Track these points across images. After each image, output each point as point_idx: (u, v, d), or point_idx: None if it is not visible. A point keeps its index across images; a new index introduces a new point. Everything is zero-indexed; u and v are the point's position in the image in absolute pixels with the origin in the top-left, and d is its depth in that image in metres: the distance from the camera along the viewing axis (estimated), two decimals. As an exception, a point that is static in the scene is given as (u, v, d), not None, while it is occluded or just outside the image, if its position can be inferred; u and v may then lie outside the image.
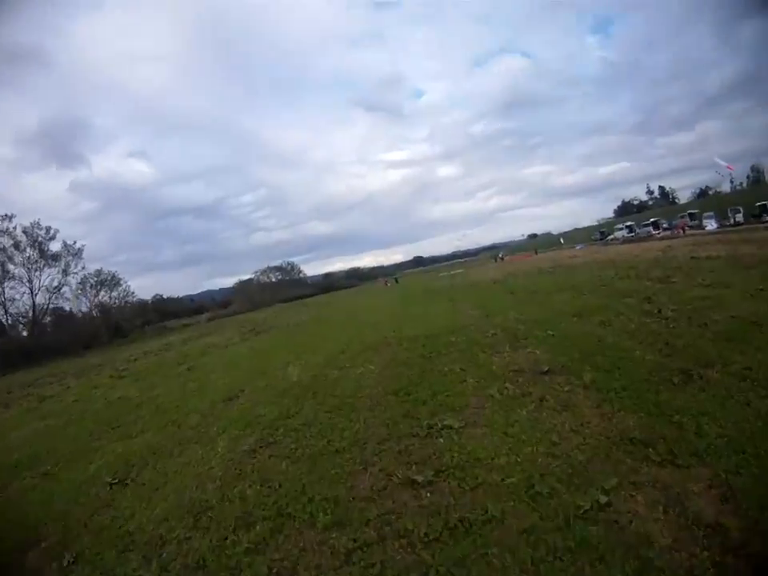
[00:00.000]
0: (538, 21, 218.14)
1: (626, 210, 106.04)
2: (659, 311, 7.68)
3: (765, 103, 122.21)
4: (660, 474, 3.03)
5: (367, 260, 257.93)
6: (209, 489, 4.16)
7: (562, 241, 71.87)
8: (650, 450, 3.31)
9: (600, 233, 66.03)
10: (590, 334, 7.02)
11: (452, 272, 53.36)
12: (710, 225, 41.21)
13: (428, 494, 3.31)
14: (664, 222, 50.84)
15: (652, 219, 51.83)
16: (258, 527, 3.34)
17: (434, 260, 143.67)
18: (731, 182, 77.83)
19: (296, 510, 3.46)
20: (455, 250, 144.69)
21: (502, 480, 3.28)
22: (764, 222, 33.80)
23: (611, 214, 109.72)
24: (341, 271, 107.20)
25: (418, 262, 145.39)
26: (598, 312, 8.61)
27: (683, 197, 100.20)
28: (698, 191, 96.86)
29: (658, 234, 45.86)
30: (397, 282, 59.41)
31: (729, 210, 41.10)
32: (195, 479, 4.46)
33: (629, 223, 56.89)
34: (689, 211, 48.57)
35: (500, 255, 67.04)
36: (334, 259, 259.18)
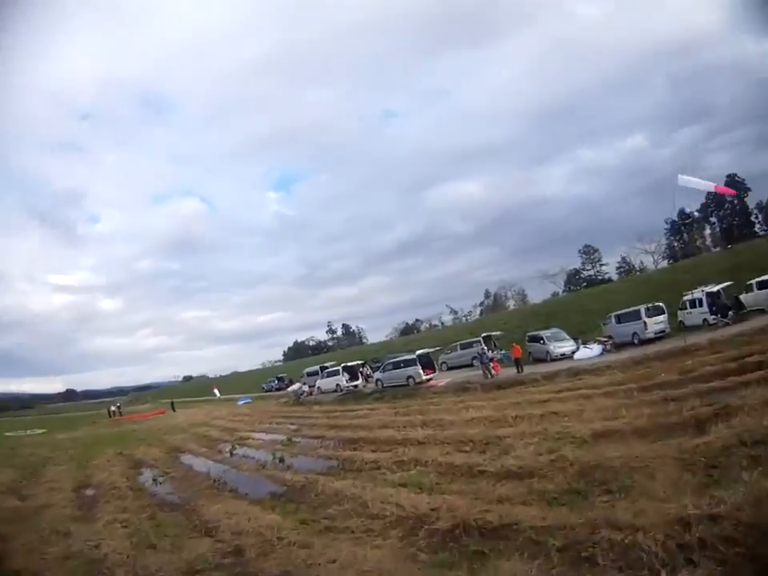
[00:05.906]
0: (223, 170, 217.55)
1: (299, 351, 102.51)
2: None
3: (431, 261, 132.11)
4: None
5: (29, 386, 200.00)
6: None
7: (217, 393, 50.74)
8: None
9: (277, 378, 44.64)
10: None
11: (27, 432, 35.41)
12: (589, 350, 20.16)
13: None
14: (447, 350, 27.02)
15: (468, 339, 26.22)
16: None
17: (88, 395, 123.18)
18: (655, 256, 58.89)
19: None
20: (114, 386, 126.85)
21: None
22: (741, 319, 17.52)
23: (280, 357, 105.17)
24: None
25: (69, 396, 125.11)
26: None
27: (374, 338, 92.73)
28: (402, 325, 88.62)
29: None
30: None
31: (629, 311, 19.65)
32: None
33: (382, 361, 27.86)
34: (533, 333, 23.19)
35: (116, 407, 48.94)
36: None
